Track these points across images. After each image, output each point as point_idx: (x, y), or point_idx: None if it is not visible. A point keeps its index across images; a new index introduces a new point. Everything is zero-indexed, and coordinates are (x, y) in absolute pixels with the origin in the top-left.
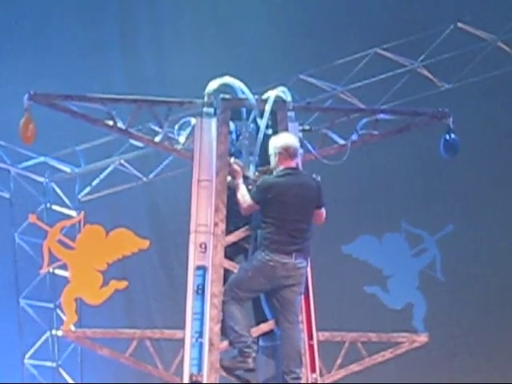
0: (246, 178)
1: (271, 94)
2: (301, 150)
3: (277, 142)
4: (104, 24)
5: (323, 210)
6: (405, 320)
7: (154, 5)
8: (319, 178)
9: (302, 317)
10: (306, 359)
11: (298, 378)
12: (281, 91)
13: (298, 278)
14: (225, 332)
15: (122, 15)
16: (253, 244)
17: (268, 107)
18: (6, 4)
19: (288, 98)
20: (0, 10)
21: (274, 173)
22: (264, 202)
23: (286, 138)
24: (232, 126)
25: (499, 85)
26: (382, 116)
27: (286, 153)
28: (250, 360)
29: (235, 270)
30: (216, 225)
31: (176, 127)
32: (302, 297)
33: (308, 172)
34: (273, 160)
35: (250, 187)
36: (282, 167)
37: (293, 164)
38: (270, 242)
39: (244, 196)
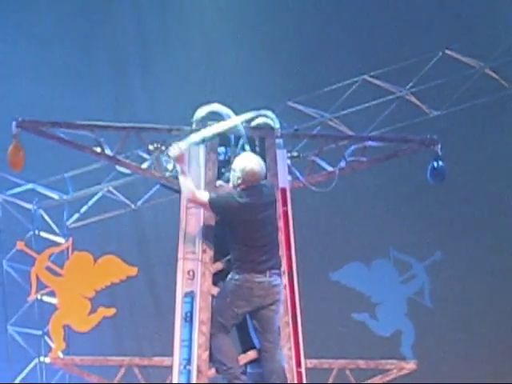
0: None
1: (259, 121)
2: (289, 177)
3: (243, 166)
4: (93, 51)
5: None
6: (393, 347)
7: (144, 31)
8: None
9: (290, 344)
10: None
11: None
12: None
13: (274, 296)
14: (213, 362)
15: (112, 41)
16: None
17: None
18: None
19: (276, 124)
20: None
21: (235, 190)
22: (225, 219)
23: (256, 165)
24: (222, 149)
25: (487, 112)
26: (370, 143)
27: (250, 180)
28: None
29: None
30: (204, 252)
31: (164, 154)
32: (290, 324)
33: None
34: (234, 178)
35: None
36: (242, 187)
37: (253, 184)
38: (243, 263)
39: (191, 186)
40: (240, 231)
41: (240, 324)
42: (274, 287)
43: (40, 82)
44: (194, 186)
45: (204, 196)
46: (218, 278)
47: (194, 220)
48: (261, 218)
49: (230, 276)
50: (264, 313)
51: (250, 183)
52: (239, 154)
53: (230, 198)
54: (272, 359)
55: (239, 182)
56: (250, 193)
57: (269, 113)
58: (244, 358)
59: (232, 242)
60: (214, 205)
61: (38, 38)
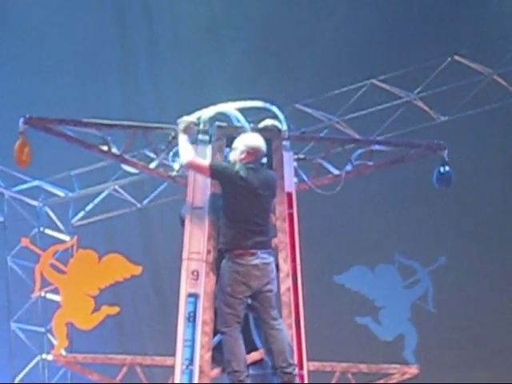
0: None
1: (267, 123)
2: (295, 180)
3: (250, 141)
4: (103, 49)
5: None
6: (396, 351)
7: (153, 31)
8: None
9: (293, 345)
10: None
11: (296, 369)
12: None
13: (269, 274)
14: (217, 360)
15: (121, 41)
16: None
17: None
18: (4, 26)
19: (283, 126)
20: None
21: (238, 164)
22: (224, 187)
23: (260, 141)
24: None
25: (495, 118)
26: (377, 147)
27: (254, 154)
28: None
29: None
30: (209, 252)
31: (171, 154)
32: (293, 326)
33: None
34: (237, 154)
35: None
36: (244, 162)
37: (255, 161)
38: (232, 245)
39: (191, 151)
40: (237, 204)
41: (242, 326)
42: (267, 265)
43: (47, 78)
44: (194, 152)
45: (204, 162)
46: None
47: (199, 220)
48: (258, 195)
49: (222, 264)
50: (263, 294)
51: (254, 157)
52: None
53: (232, 167)
54: (280, 336)
55: (242, 156)
56: (252, 168)
57: (274, 108)
58: (247, 359)
59: (227, 220)
60: (214, 169)
61: (46, 34)
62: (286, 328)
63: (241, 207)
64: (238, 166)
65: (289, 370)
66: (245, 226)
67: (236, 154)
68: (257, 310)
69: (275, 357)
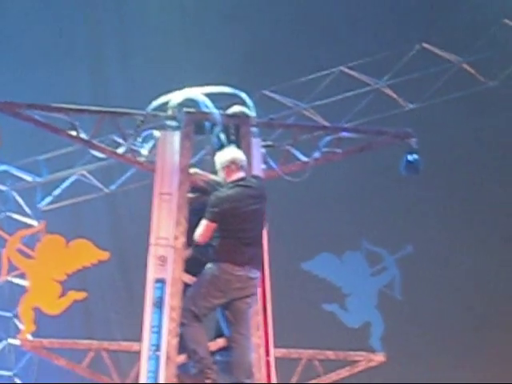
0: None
1: (235, 109)
2: (263, 166)
3: (224, 157)
4: (71, 34)
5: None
6: (362, 339)
7: (123, 17)
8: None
9: (260, 332)
10: (262, 375)
11: None
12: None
13: (251, 289)
14: (185, 350)
15: (90, 26)
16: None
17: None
18: None
19: (252, 112)
20: None
21: (225, 187)
22: (219, 217)
23: (233, 152)
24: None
25: (463, 106)
26: (345, 134)
27: (234, 165)
28: (209, 381)
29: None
30: (176, 238)
31: (139, 139)
32: (260, 313)
33: (259, 179)
34: (221, 174)
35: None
36: (231, 179)
37: (241, 175)
38: (224, 254)
39: (199, 229)
40: (224, 222)
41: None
42: (252, 280)
43: (15, 64)
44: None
45: (204, 225)
46: (192, 265)
47: (167, 206)
48: (250, 210)
49: (208, 265)
50: (239, 304)
51: (235, 168)
52: (214, 141)
53: (220, 196)
54: (241, 352)
55: (225, 173)
56: (242, 185)
57: (243, 94)
58: (214, 346)
59: (223, 236)
60: (215, 218)
61: (13, 19)
62: (250, 345)
63: (237, 225)
64: (229, 197)
65: None
66: (240, 240)
67: (221, 175)
68: (227, 318)
69: (233, 370)
